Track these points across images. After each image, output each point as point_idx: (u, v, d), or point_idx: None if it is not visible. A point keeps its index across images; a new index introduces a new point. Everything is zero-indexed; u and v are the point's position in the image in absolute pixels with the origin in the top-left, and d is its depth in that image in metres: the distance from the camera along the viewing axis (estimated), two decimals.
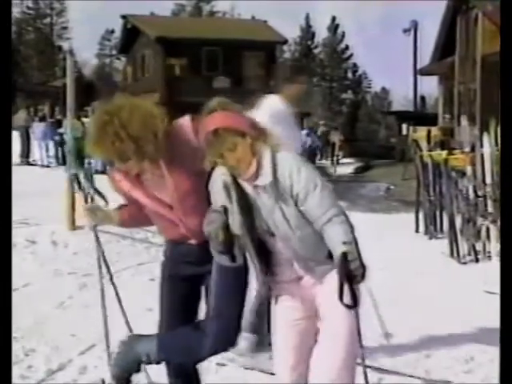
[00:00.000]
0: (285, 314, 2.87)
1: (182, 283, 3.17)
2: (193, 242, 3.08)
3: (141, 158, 2.91)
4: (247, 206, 2.73)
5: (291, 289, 2.82)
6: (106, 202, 3.38)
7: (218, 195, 2.77)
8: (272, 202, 2.67)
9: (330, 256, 2.71)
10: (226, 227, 2.65)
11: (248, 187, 2.73)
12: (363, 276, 2.51)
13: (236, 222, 2.70)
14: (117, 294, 3.47)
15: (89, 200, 3.36)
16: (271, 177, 2.66)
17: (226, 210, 2.67)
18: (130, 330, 3.44)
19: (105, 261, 3.52)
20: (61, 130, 18.57)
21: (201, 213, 2.91)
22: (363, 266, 2.51)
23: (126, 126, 2.86)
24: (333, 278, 2.64)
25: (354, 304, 2.53)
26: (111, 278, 3.53)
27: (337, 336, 2.71)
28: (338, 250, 2.53)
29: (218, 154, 2.67)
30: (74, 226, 8.00)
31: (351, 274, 2.48)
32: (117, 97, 3.02)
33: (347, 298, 2.51)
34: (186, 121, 3.00)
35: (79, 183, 3.42)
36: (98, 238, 3.45)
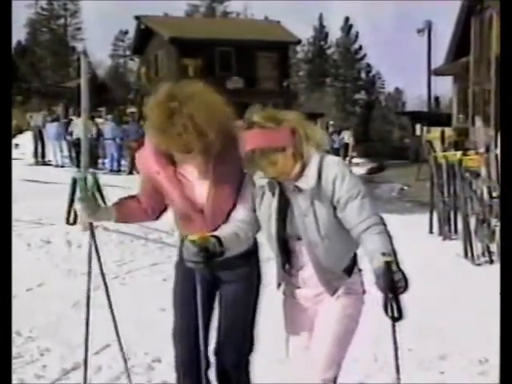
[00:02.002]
0: (295, 317, 2.88)
1: (200, 285, 3.02)
2: None
3: (206, 152, 2.79)
4: (284, 206, 2.71)
5: (301, 294, 2.83)
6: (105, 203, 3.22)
7: (258, 193, 2.76)
8: (308, 204, 2.65)
9: (346, 270, 2.74)
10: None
11: (287, 187, 2.70)
12: (406, 287, 2.43)
13: (272, 221, 2.71)
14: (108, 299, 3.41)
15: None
16: (314, 181, 2.63)
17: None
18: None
19: (100, 267, 3.41)
20: (69, 130, 18.69)
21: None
22: (405, 277, 2.43)
23: (195, 116, 2.69)
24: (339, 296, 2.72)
25: (399, 316, 2.44)
26: (104, 280, 3.41)
27: (325, 327, 2.74)
28: (378, 260, 2.45)
29: (259, 169, 2.65)
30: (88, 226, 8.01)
31: (395, 285, 2.40)
32: (183, 82, 2.84)
33: (392, 311, 2.43)
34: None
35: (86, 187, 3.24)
36: (94, 236, 3.30)
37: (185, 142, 2.71)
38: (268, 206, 2.73)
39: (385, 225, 2.63)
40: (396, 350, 2.55)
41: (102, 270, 3.41)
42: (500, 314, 2.79)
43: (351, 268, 2.77)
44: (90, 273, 3.32)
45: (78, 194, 3.17)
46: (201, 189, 2.92)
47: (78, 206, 3.08)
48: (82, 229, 3.34)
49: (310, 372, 2.75)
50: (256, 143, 2.59)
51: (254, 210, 2.80)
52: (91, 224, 3.23)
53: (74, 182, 3.23)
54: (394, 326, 2.51)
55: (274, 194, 2.71)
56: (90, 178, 3.22)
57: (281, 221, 2.72)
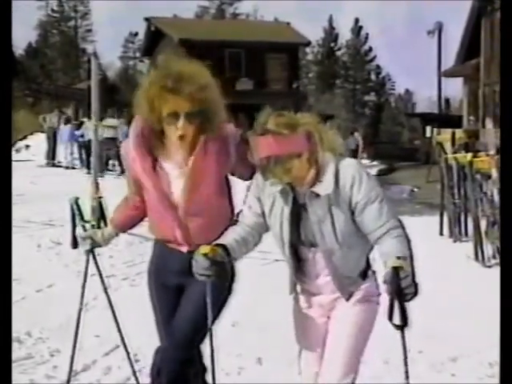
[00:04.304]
0: (307, 324, 2.85)
1: (170, 294, 3.01)
2: (183, 249, 2.91)
3: (200, 125, 2.75)
4: (298, 213, 2.63)
5: (315, 301, 2.80)
6: (106, 224, 3.20)
7: (268, 200, 2.69)
8: (325, 210, 2.57)
9: (361, 273, 2.70)
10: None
11: (300, 193, 2.63)
12: (415, 294, 2.36)
13: (284, 229, 2.65)
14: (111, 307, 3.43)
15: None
16: (332, 186, 2.55)
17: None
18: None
19: (103, 282, 3.42)
20: (78, 132, 18.76)
21: (205, 217, 2.84)
22: (415, 284, 2.36)
23: (199, 88, 2.72)
24: (354, 298, 2.69)
25: (404, 323, 2.37)
26: (106, 292, 3.43)
27: (340, 339, 2.70)
28: (389, 264, 2.39)
29: (274, 176, 2.56)
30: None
31: (402, 291, 2.33)
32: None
33: (397, 318, 2.36)
34: (231, 129, 2.88)
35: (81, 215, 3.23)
36: (96, 262, 3.34)
37: (191, 106, 2.69)
38: (280, 213, 2.65)
39: (403, 228, 2.58)
40: (405, 356, 2.49)
41: (106, 292, 3.45)
42: (500, 315, 2.78)
43: (366, 271, 2.73)
44: (83, 294, 3.38)
45: (76, 222, 3.19)
46: (177, 184, 2.84)
47: (78, 238, 3.18)
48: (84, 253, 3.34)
49: (326, 379, 2.72)
50: (271, 151, 2.50)
51: (260, 215, 2.74)
52: (91, 251, 3.26)
53: (72, 207, 3.21)
54: (402, 332, 2.44)
55: (286, 201, 2.64)
56: (93, 205, 3.20)
57: (294, 228, 2.64)
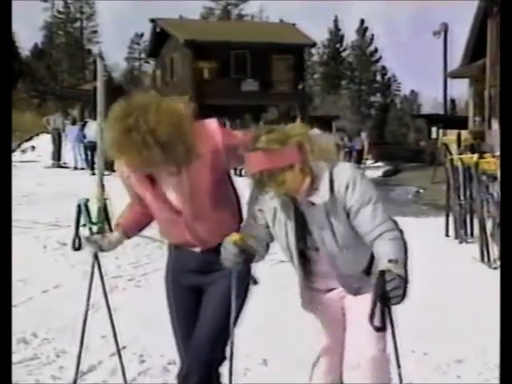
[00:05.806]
0: (325, 314, 2.87)
1: (187, 293, 3.01)
2: (197, 249, 2.92)
3: (169, 163, 2.67)
4: (301, 221, 2.67)
5: (326, 297, 2.83)
6: (110, 227, 3.16)
7: (269, 213, 2.72)
8: (323, 218, 2.61)
9: (364, 271, 2.72)
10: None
11: (301, 201, 2.65)
12: (402, 298, 2.37)
13: (290, 238, 2.68)
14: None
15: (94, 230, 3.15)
16: (328, 194, 2.58)
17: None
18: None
19: (104, 288, 3.41)
20: (78, 131, 18.82)
21: (211, 219, 2.83)
22: (404, 289, 2.37)
23: (155, 130, 2.55)
24: (363, 296, 2.68)
25: (383, 327, 2.40)
26: (106, 299, 3.44)
27: (360, 333, 2.68)
28: (378, 267, 2.43)
29: (268, 189, 2.58)
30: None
31: (386, 294, 2.34)
32: (138, 94, 2.68)
33: (377, 320, 2.38)
34: (213, 123, 2.80)
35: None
36: (100, 267, 3.31)
37: (145, 159, 2.59)
38: (284, 224, 2.69)
39: (399, 230, 2.60)
40: (397, 357, 2.53)
41: (106, 297, 3.47)
42: (500, 313, 2.78)
43: (369, 268, 2.74)
44: (89, 298, 3.37)
45: (83, 222, 3.16)
46: (174, 189, 2.81)
47: (84, 241, 3.11)
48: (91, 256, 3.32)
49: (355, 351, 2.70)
50: (261, 166, 2.51)
51: (265, 226, 2.76)
52: (96, 254, 3.24)
53: (80, 208, 3.17)
54: (393, 333, 2.48)
55: (288, 211, 2.66)
56: (98, 206, 3.16)
57: (299, 236, 2.68)
